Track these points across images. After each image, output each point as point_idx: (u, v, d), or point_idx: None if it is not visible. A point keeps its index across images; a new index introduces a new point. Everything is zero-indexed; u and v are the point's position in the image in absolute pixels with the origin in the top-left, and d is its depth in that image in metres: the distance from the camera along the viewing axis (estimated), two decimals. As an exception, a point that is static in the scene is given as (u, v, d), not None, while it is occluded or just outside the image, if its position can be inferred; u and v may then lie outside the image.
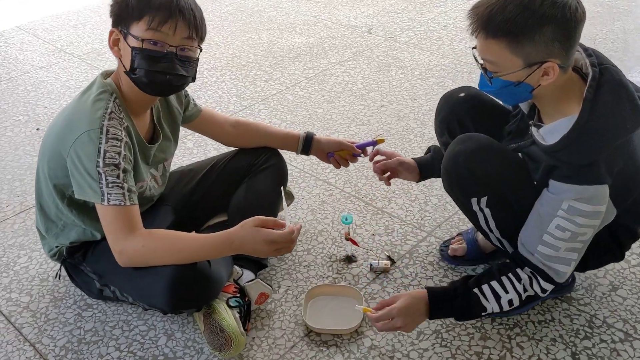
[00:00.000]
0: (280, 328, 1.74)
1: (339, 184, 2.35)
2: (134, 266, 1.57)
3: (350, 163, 2.03)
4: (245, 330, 1.68)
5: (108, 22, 1.57)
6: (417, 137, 2.64)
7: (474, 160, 1.53)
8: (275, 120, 2.80)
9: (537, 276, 1.50)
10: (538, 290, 1.52)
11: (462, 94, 1.78)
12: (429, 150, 1.98)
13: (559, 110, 1.44)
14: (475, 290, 1.54)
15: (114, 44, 1.55)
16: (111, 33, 1.55)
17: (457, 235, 2.01)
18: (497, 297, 1.53)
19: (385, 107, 2.88)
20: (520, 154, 1.58)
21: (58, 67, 3.37)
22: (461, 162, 1.55)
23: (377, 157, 1.94)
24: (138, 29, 1.50)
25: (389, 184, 1.97)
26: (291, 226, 1.54)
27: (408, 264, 1.95)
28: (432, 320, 1.72)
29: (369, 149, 2.00)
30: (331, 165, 2.05)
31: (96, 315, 1.78)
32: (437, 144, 1.94)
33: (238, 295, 1.70)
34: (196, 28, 1.54)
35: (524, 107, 1.60)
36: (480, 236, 1.93)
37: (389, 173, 1.94)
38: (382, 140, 1.98)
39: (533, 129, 1.49)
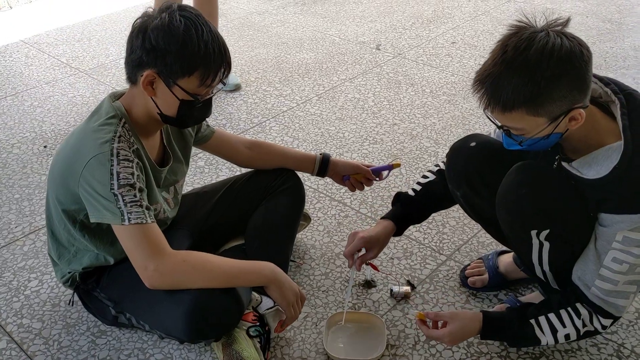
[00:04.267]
0: (300, 357, 1.69)
1: (354, 205, 2.31)
2: (162, 288, 1.50)
3: (365, 186, 2.00)
4: (265, 359, 1.64)
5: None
6: (432, 156, 2.61)
7: (537, 191, 1.46)
8: (288, 139, 2.76)
9: (597, 313, 1.47)
10: (598, 326, 1.48)
11: (473, 144, 1.69)
12: (396, 198, 1.84)
13: (588, 144, 1.41)
14: (532, 321, 1.50)
15: (148, 84, 1.47)
16: (147, 75, 1.45)
17: (477, 259, 1.97)
18: (554, 331, 1.49)
19: (397, 126, 2.85)
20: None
21: (64, 82, 3.33)
22: (524, 194, 1.47)
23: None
24: (189, 84, 1.47)
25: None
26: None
27: (429, 289, 1.91)
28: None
29: (385, 173, 1.97)
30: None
31: (110, 343, 1.74)
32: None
33: (258, 324, 1.66)
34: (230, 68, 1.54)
35: None
36: (502, 263, 1.89)
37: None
38: (398, 165, 1.94)
39: (564, 164, 1.45)
